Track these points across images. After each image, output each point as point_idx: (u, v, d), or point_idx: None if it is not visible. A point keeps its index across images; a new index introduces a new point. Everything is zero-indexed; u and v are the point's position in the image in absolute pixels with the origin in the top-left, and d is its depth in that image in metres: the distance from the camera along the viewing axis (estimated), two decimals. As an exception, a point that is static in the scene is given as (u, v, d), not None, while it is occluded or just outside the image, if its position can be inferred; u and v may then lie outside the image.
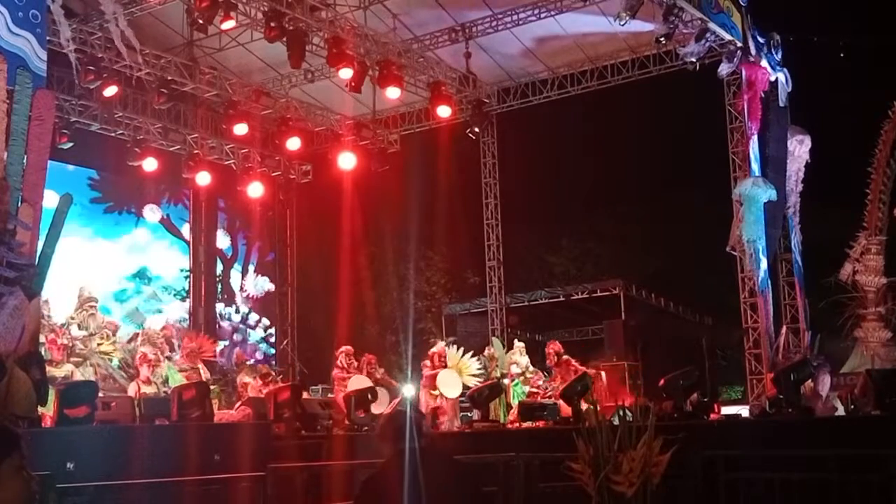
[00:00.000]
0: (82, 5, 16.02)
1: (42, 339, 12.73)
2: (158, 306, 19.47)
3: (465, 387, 14.92)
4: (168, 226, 20.09)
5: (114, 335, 14.41)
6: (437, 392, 14.75)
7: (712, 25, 14.80)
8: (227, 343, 20.01)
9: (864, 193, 15.73)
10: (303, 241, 21.83)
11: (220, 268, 20.88)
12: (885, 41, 20.36)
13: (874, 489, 7.28)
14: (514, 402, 14.57)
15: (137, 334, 15.38)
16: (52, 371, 12.51)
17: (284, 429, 10.60)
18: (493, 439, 11.04)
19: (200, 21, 14.32)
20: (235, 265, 21.22)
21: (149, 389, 13.08)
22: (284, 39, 14.82)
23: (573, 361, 14.91)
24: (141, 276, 19.44)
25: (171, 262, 20.11)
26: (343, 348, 15.41)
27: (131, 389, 13.20)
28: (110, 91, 15.65)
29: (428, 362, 15.28)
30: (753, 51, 15.63)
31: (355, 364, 15.18)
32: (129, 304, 18.90)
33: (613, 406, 11.02)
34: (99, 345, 14.16)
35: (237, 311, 20.87)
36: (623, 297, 21.82)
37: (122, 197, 19.26)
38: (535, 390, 15.81)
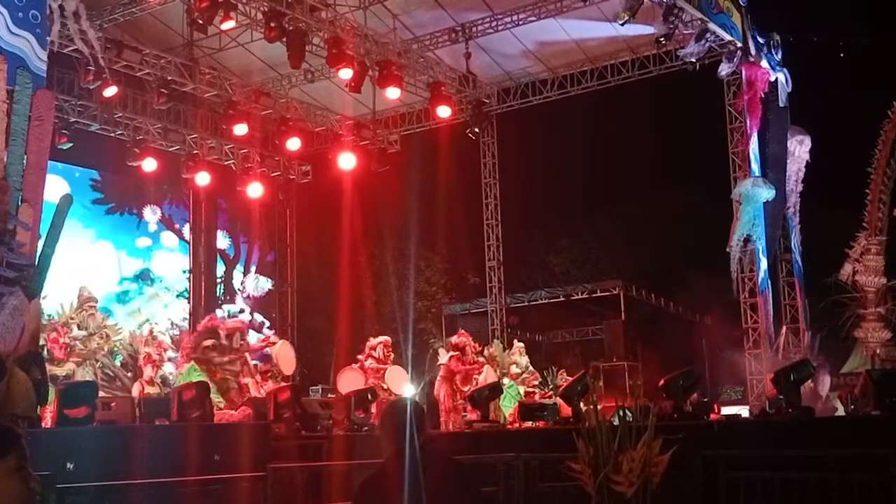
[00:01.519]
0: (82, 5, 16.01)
1: (43, 338, 12.77)
2: (160, 307, 19.49)
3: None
4: (170, 226, 20.10)
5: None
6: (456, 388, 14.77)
7: (712, 26, 14.80)
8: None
9: (864, 193, 15.72)
10: (303, 241, 21.83)
11: (222, 268, 20.89)
12: (884, 41, 20.37)
13: (874, 489, 7.27)
14: (505, 404, 14.51)
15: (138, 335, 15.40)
16: (53, 370, 12.56)
17: (284, 429, 10.59)
18: (493, 439, 11.03)
19: (200, 21, 14.33)
20: (238, 265, 21.25)
21: (152, 390, 13.10)
22: (284, 39, 14.82)
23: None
24: (144, 277, 19.45)
25: (173, 262, 20.11)
26: (382, 339, 15.55)
27: (135, 390, 13.23)
28: (110, 91, 15.67)
29: (457, 353, 15.14)
30: (753, 51, 15.63)
31: (392, 357, 15.32)
32: (132, 305, 18.93)
33: (613, 406, 11.03)
34: (99, 346, 14.17)
35: (238, 311, 20.87)
36: (623, 297, 21.83)
37: (124, 198, 19.26)
38: (530, 390, 15.80)
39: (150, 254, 19.66)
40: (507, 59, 18.17)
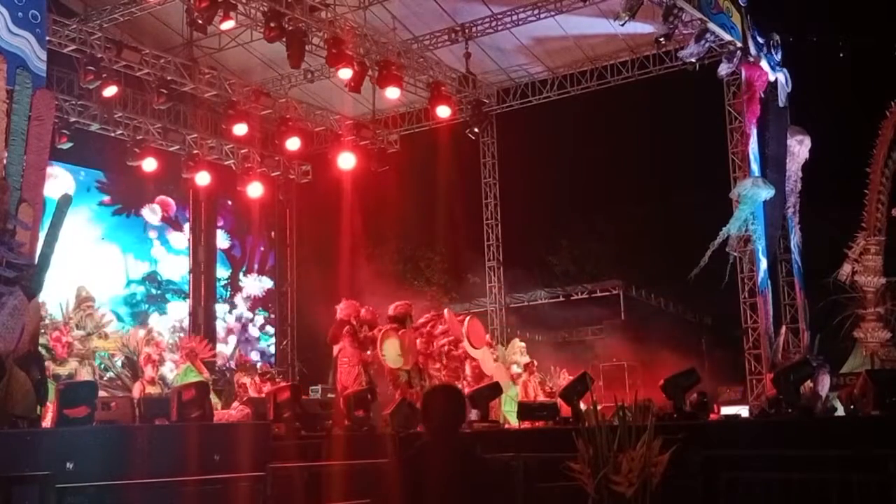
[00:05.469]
0: (82, 5, 16.05)
1: (46, 338, 12.79)
2: (164, 307, 19.49)
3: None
4: (173, 227, 20.09)
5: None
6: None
7: (712, 26, 14.80)
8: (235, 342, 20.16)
9: (863, 193, 15.71)
10: (303, 241, 21.82)
11: (228, 269, 20.89)
12: (885, 41, 20.38)
13: (874, 489, 7.27)
14: (504, 405, 14.49)
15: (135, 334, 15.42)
16: (56, 368, 12.58)
17: (284, 429, 10.58)
18: (493, 439, 11.02)
19: (200, 21, 14.33)
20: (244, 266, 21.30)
21: (153, 389, 13.11)
22: (284, 39, 14.82)
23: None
24: (150, 279, 19.44)
25: (178, 263, 20.08)
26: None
27: (136, 389, 13.23)
28: (110, 91, 15.66)
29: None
30: (753, 51, 15.63)
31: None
32: (139, 307, 18.95)
33: (613, 406, 11.01)
34: (97, 346, 14.20)
35: (235, 310, 20.89)
36: (623, 297, 21.84)
37: (129, 199, 19.21)
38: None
39: (156, 255, 19.63)
40: (507, 59, 18.18)
